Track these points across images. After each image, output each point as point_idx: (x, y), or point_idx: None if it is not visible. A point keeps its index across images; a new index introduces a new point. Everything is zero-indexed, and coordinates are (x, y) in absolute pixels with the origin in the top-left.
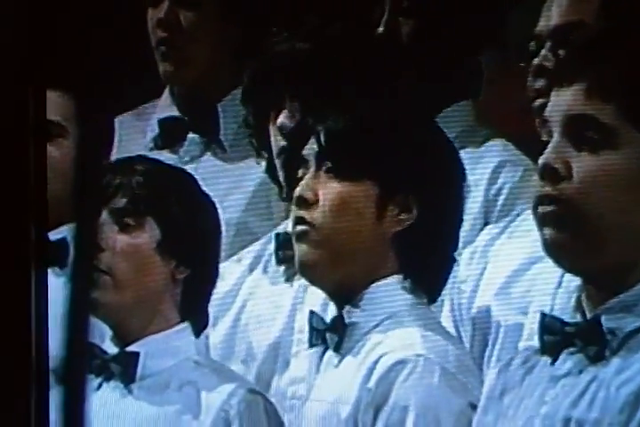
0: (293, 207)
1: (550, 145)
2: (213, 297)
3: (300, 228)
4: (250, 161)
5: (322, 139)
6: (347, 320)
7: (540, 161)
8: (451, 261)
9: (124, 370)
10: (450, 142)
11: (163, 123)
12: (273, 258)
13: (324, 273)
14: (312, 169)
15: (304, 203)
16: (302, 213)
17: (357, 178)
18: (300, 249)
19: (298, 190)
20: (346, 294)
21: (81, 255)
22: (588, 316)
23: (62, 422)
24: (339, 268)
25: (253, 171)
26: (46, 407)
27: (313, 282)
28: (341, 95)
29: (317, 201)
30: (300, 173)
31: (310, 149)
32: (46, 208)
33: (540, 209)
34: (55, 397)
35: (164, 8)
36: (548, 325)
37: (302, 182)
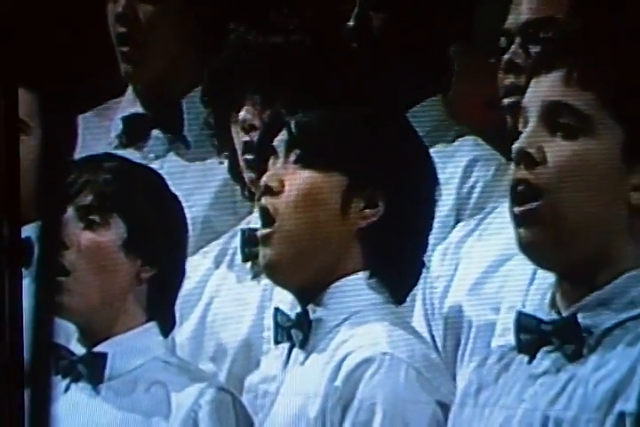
0: (258, 197)
1: (526, 131)
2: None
3: (262, 231)
4: (214, 159)
5: (292, 128)
6: (311, 316)
7: (515, 146)
8: (419, 265)
9: (92, 371)
10: (422, 143)
11: (126, 120)
12: (238, 254)
13: (289, 273)
14: (281, 158)
15: (269, 191)
16: (267, 201)
17: (325, 168)
18: (263, 252)
19: (264, 179)
20: (310, 292)
21: (46, 255)
22: (563, 313)
23: (29, 424)
24: (302, 266)
25: (218, 169)
26: (22, 409)
27: (278, 282)
28: (310, 88)
29: (282, 190)
30: (270, 163)
31: (280, 139)
32: (19, 206)
33: (517, 209)
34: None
35: (122, 2)
36: (524, 323)
37: (269, 172)
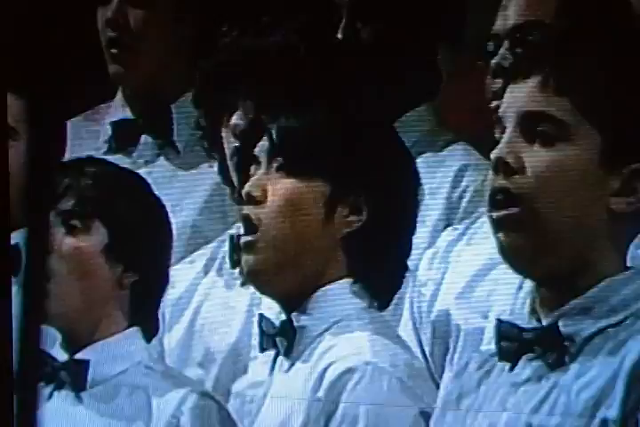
0: (241, 206)
1: (503, 139)
2: (167, 301)
3: (246, 239)
4: (204, 164)
5: (274, 135)
6: (295, 324)
7: (492, 155)
8: (403, 269)
9: (75, 378)
10: (405, 148)
11: (115, 125)
12: (227, 260)
13: (272, 281)
14: (263, 166)
15: (252, 200)
16: (249, 211)
17: (308, 175)
18: (246, 259)
19: (246, 188)
20: (294, 299)
21: (32, 261)
22: (544, 320)
23: None
24: (286, 274)
25: (207, 174)
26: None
27: (261, 290)
28: (296, 95)
29: (265, 199)
30: (252, 171)
31: (262, 147)
32: (8, 212)
33: (495, 214)
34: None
35: (113, 7)
36: (505, 331)
37: (251, 179)
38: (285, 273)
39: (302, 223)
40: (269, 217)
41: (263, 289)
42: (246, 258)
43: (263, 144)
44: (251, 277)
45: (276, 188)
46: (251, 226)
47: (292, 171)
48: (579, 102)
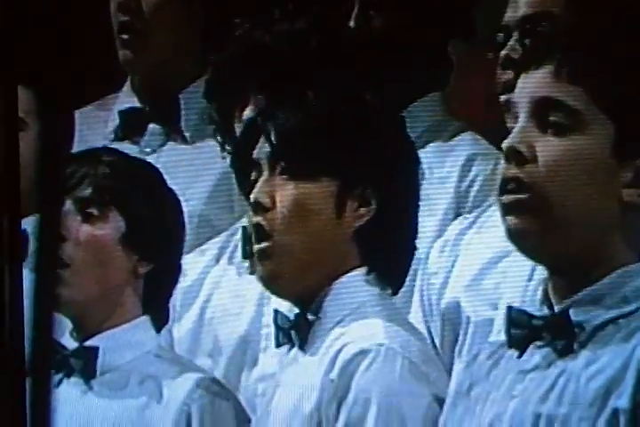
0: (251, 213)
1: (516, 128)
2: (177, 291)
3: (259, 246)
4: (212, 151)
5: (272, 137)
6: (310, 317)
7: (505, 144)
8: (412, 250)
9: (84, 365)
10: (403, 133)
11: (123, 113)
12: (238, 250)
13: (289, 286)
14: (266, 172)
15: (261, 208)
16: (260, 219)
17: (313, 176)
18: (261, 267)
19: (253, 195)
20: (309, 296)
21: (44, 248)
22: (556, 308)
23: (30, 421)
24: (301, 277)
25: (215, 162)
26: (23, 402)
27: (278, 294)
28: (299, 89)
29: (274, 206)
30: (254, 176)
31: (260, 150)
32: (19, 201)
33: (504, 197)
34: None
35: None
36: (515, 318)
37: (257, 187)
38: (302, 277)
39: (315, 225)
40: (281, 223)
41: (280, 294)
42: (261, 265)
43: (262, 147)
44: (268, 284)
45: (284, 193)
46: (263, 234)
47: (297, 174)
48: (592, 91)
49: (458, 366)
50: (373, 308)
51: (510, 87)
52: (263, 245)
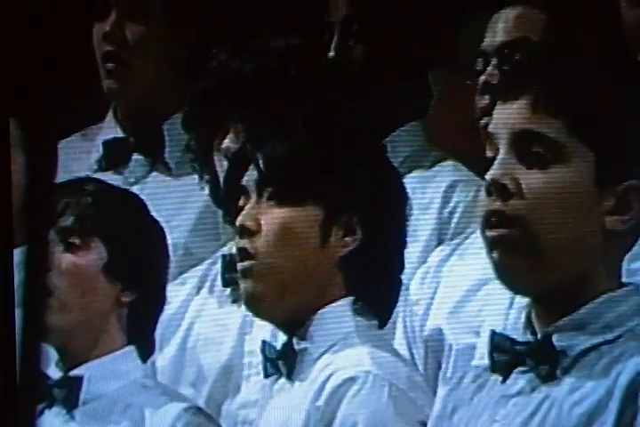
0: (236, 238)
1: (497, 161)
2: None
3: (243, 264)
4: (195, 182)
5: (261, 164)
6: (296, 347)
7: (488, 177)
8: (398, 284)
9: (67, 395)
10: (389, 163)
11: (107, 144)
12: (219, 279)
13: (271, 307)
14: (253, 198)
15: (246, 232)
16: (245, 242)
17: (300, 202)
18: (245, 285)
19: (239, 219)
20: (294, 322)
21: (32, 280)
22: (539, 334)
23: None
24: (286, 300)
25: (199, 192)
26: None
27: (260, 316)
28: (284, 118)
29: (260, 230)
30: (241, 202)
31: (249, 176)
32: (11, 228)
33: (488, 232)
34: None
35: (111, 21)
36: (498, 343)
37: (244, 212)
38: (285, 299)
39: (299, 250)
40: (266, 247)
41: (263, 316)
42: (245, 283)
43: (251, 174)
44: (250, 304)
45: (270, 218)
46: (247, 256)
47: (284, 199)
48: (571, 123)
49: (442, 389)
50: (360, 338)
51: (489, 112)
52: (246, 263)
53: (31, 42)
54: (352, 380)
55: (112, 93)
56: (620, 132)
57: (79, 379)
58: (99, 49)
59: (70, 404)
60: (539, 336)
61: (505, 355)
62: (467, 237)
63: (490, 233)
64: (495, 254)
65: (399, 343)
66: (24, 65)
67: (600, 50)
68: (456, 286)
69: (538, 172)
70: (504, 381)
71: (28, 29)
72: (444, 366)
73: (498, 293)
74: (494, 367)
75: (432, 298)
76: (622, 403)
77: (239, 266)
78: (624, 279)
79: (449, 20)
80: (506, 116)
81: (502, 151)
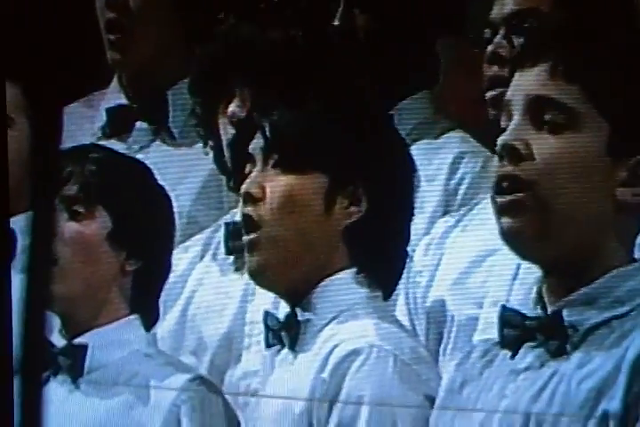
0: (241, 204)
1: (510, 126)
2: None
3: (249, 237)
4: (200, 149)
5: (267, 132)
6: (300, 318)
7: (500, 141)
8: (404, 256)
9: (72, 363)
10: (398, 133)
11: (110, 111)
12: (222, 247)
13: (277, 278)
14: (259, 164)
15: (251, 199)
16: (249, 210)
17: (305, 170)
18: (250, 257)
19: (244, 186)
20: (298, 293)
21: (39, 246)
22: (549, 309)
23: (19, 420)
24: (289, 270)
25: (203, 159)
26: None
27: (265, 287)
28: (291, 86)
29: (264, 197)
30: (247, 169)
31: (256, 144)
32: (8, 200)
33: (500, 198)
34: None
35: None
36: (508, 318)
37: (249, 179)
38: (290, 270)
39: (303, 219)
40: (270, 215)
41: (268, 287)
42: (250, 257)
43: (257, 142)
44: (255, 276)
45: (275, 185)
46: (252, 225)
47: (289, 167)
48: (588, 90)
49: (450, 364)
50: (364, 309)
51: (497, 82)
52: (252, 236)
53: (34, 6)
54: (356, 353)
55: (116, 64)
56: (636, 103)
57: (84, 347)
58: (102, 16)
59: (76, 372)
60: (549, 311)
61: (515, 330)
62: (471, 209)
63: (500, 199)
64: (504, 219)
65: (401, 314)
66: (27, 29)
67: (616, 19)
68: (460, 258)
69: (550, 137)
70: (513, 356)
71: None
72: (445, 337)
73: (502, 264)
74: (504, 342)
75: (435, 269)
76: (630, 377)
77: (244, 238)
78: (636, 255)
79: None
80: (522, 83)
81: (516, 117)
